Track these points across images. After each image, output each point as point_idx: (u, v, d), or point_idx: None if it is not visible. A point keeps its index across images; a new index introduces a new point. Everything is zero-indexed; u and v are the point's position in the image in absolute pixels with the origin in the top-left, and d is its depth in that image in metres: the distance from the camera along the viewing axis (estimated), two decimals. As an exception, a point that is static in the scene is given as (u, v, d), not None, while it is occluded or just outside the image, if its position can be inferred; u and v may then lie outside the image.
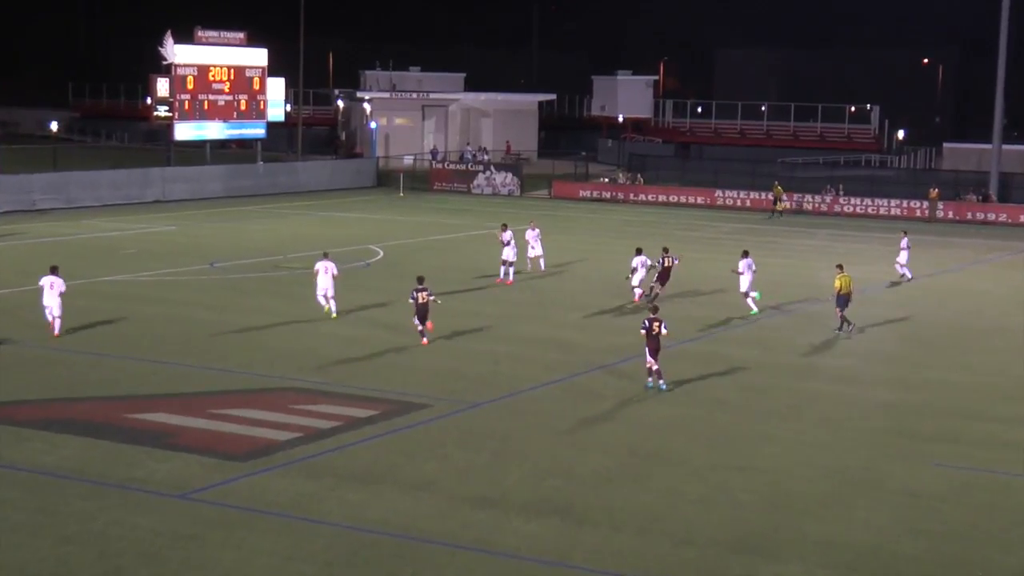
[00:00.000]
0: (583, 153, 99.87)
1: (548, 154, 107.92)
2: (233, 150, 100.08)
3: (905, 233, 50.82)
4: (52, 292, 35.88)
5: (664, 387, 31.10)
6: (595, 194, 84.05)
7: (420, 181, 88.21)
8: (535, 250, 49.28)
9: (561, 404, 29.74)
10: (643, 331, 30.88)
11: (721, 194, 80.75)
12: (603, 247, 57.20)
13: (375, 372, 32.37)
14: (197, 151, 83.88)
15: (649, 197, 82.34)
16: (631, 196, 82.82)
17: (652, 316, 31.11)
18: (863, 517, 22.54)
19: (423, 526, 21.58)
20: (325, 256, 39.63)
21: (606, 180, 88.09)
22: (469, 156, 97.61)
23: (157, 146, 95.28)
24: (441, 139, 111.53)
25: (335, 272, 39.18)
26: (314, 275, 39.44)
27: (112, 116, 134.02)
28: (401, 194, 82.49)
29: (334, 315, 39.13)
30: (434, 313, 35.70)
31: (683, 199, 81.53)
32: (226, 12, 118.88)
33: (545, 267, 49.44)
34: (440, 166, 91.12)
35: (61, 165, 79.86)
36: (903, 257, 49.53)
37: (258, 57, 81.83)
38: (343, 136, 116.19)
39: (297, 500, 22.69)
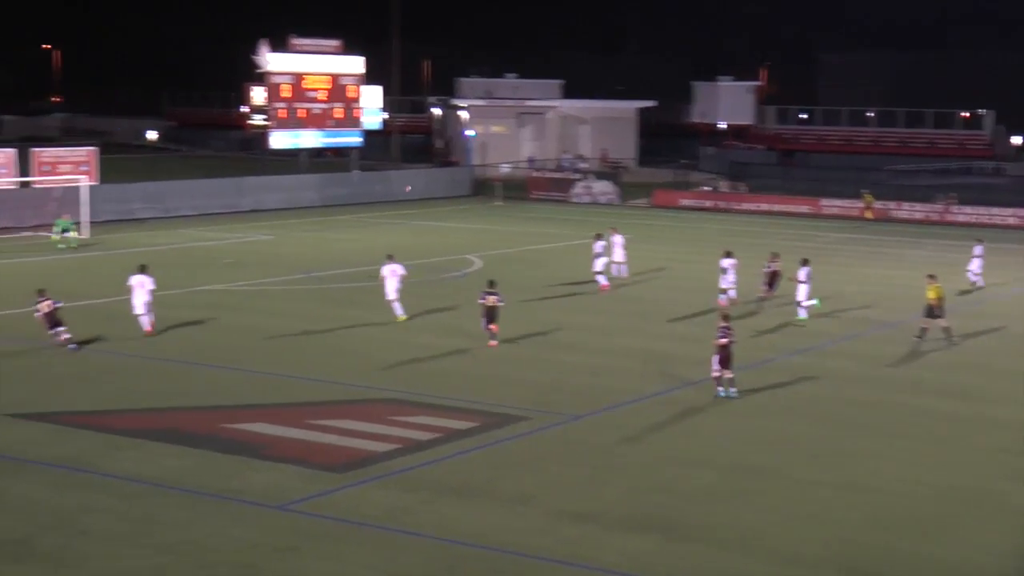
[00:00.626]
0: (683, 161, 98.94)
1: (648, 162, 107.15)
2: (330, 158, 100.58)
3: (980, 241, 49.82)
4: (142, 290, 36.60)
5: (735, 394, 30.64)
6: (696, 203, 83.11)
7: (517, 190, 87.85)
8: (617, 256, 48.82)
9: (661, 417, 29.17)
10: (722, 339, 30.34)
11: (827, 203, 79.52)
12: (701, 256, 56.37)
13: (473, 384, 32.02)
14: (291, 160, 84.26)
15: (751, 206, 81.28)
16: (733, 205, 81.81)
17: (725, 325, 30.59)
18: (980, 539, 21.71)
19: (521, 541, 21.16)
20: (390, 259, 39.94)
21: (707, 188, 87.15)
22: (567, 164, 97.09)
23: (252, 155, 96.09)
24: (538, 147, 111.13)
25: (402, 273, 39.54)
26: (381, 280, 39.74)
27: (207, 125, 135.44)
28: (499, 202, 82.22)
29: (400, 318, 39.40)
30: (530, 324, 35.26)
31: (787, 208, 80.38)
32: (321, 19, 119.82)
33: (627, 273, 48.92)
34: (537, 174, 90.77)
35: (158, 174, 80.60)
36: (975, 265, 48.50)
37: (354, 65, 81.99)
38: (439, 144, 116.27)
39: (394, 512, 22.37)
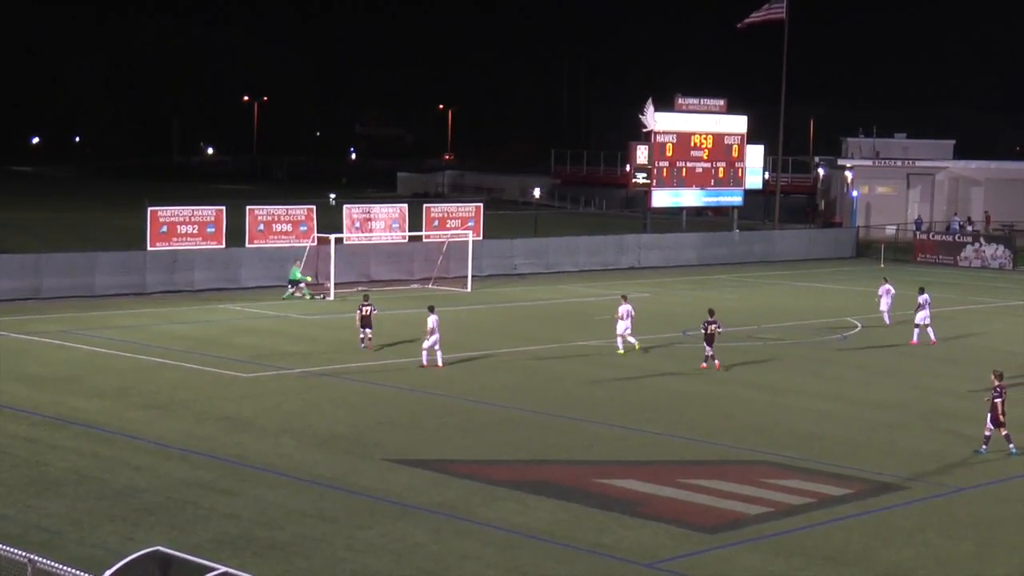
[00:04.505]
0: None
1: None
2: (709, 217, 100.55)
3: None
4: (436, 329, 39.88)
5: (1014, 452, 30.30)
6: (1101, 269, 78.60)
7: (902, 252, 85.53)
8: (883, 304, 51.66)
9: (1053, 494, 27.61)
10: (996, 399, 30.17)
11: None
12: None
13: (850, 449, 31.17)
14: (671, 218, 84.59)
15: None
16: None
17: (1000, 383, 30.34)
18: None
19: (898, 617, 20.38)
20: (624, 299, 43.89)
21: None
22: (956, 227, 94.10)
23: (633, 213, 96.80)
24: (926, 209, 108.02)
25: (632, 313, 43.36)
26: (615, 318, 43.53)
27: (591, 183, 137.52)
28: (881, 265, 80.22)
29: (637, 347, 43.66)
30: (905, 389, 34.21)
31: None
32: (706, 78, 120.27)
33: (889, 321, 51.22)
34: (924, 237, 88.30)
35: (541, 231, 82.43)
36: None
37: (737, 124, 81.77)
38: (821, 205, 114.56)
39: (765, 578, 21.97)
